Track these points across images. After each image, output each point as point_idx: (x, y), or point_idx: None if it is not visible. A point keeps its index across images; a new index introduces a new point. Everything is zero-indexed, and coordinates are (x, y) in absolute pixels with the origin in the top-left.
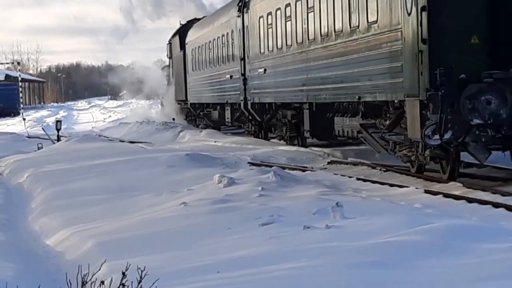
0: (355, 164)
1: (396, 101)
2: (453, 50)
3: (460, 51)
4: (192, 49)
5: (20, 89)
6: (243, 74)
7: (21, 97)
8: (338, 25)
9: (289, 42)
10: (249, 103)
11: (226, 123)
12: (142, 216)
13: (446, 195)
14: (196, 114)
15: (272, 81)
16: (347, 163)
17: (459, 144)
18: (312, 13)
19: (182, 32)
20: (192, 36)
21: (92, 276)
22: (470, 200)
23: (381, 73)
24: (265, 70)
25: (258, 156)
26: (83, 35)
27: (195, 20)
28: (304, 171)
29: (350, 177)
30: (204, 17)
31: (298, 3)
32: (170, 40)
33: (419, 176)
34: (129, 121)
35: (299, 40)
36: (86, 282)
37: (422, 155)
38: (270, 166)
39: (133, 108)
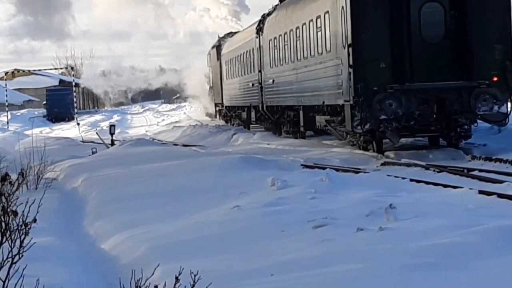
0: (408, 165)
1: (340, 105)
2: (368, 72)
3: (373, 72)
4: (226, 61)
5: (74, 94)
6: (260, 83)
7: (75, 102)
8: (312, 51)
9: (286, 60)
10: (264, 105)
11: (252, 122)
12: (195, 220)
13: (501, 196)
14: (230, 115)
15: (277, 89)
16: (400, 165)
17: (376, 131)
18: (299, 40)
19: (218, 45)
20: (226, 49)
21: (146, 281)
22: None
23: (332, 86)
24: (273, 80)
25: (311, 158)
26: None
27: (231, 33)
28: (357, 172)
29: (403, 178)
30: (236, 32)
31: (291, 33)
32: (209, 51)
33: (473, 177)
34: (182, 125)
35: (292, 59)
36: (140, 287)
37: (360, 140)
38: (324, 168)
39: (187, 111)
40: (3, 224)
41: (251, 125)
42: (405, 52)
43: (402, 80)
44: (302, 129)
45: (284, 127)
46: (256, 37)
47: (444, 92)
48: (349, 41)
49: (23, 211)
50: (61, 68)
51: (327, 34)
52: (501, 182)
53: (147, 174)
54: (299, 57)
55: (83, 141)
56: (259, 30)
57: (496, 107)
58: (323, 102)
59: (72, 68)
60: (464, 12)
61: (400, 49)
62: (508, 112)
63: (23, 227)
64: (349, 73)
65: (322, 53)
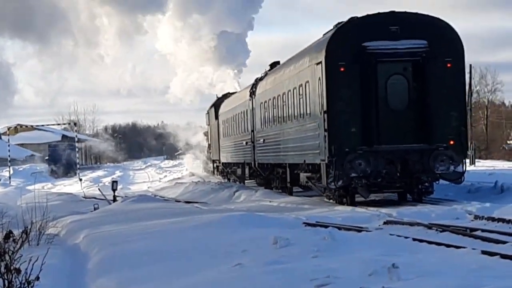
0: (411, 224)
1: (318, 163)
2: (341, 135)
3: (345, 136)
4: (223, 120)
5: (77, 149)
6: (253, 142)
7: (78, 157)
8: (296, 115)
9: (275, 122)
10: (256, 163)
11: (246, 178)
12: (197, 277)
13: (504, 256)
14: (226, 171)
15: (267, 148)
16: (403, 223)
17: (349, 187)
18: (285, 105)
19: (216, 104)
20: (223, 109)
21: None
22: None
23: (312, 146)
24: (264, 140)
25: (314, 216)
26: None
27: (228, 94)
28: (359, 231)
29: (406, 237)
30: (234, 92)
31: (279, 97)
32: (208, 110)
33: (475, 237)
34: (185, 181)
35: (279, 121)
36: None
37: (335, 194)
38: (326, 227)
39: (189, 168)
40: (6, 282)
41: (246, 181)
42: (374, 119)
43: (371, 142)
44: (288, 184)
45: (273, 182)
46: (250, 100)
47: (408, 153)
48: (325, 108)
49: (26, 269)
50: (64, 124)
51: (307, 100)
52: (504, 242)
53: (149, 231)
54: (285, 120)
55: (85, 197)
56: (252, 93)
57: (452, 167)
58: (304, 161)
59: (75, 123)
60: (425, 84)
61: (369, 115)
62: (463, 171)
63: (26, 285)
64: (325, 136)
65: (303, 117)
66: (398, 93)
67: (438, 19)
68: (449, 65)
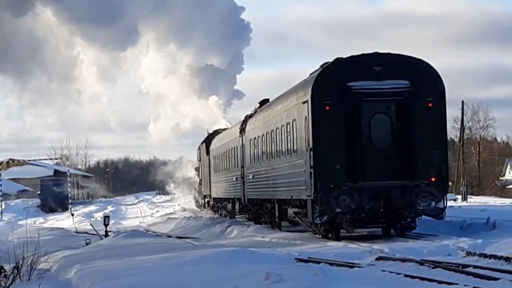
0: (403, 260)
1: (304, 199)
2: (326, 172)
3: (330, 173)
4: (214, 156)
5: (69, 184)
6: (242, 178)
7: (70, 192)
8: (284, 152)
9: (264, 159)
10: (246, 198)
11: (236, 213)
12: None
13: None
14: (217, 206)
15: (256, 184)
16: (395, 259)
17: (334, 222)
18: (274, 142)
19: (208, 140)
20: (213, 145)
21: None
22: None
23: (298, 182)
24: (253, 176)
25: (306, 252)
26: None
27: (219, 130)
28: (352, 267)
29: (398, 274)
30: (225, 129)
31: (268, 134)
32: (199, 146)
33: (468, 273)
34: (177, 216)
35: (268, 158)
36: None
37: (321, 229)
38: (318, 263)
39: (181, 203)
40: None
41: (236, 216)
42: (358, 156)
43: (355, 179)
44: (277, 219)
45: (262, 217)
46: (240, 136)
47: (390, 190)
48: (311, 145)
49: None
50: (56, 158)
51: (295, 138)
52: (496, 279)
53: (141, 266)
54: (273, 156)
55: (77, 232)
56: (242, 130)
57: (433, 203)
58: (292, 196)
59: (67, 158)
60: (408, 123)
61: (353, 153)
62: (444, 207)
63: None
64: (311, 172)
65: (291, 154)
66: (381, 131)
67: (420, 60)
68: (430, 104)
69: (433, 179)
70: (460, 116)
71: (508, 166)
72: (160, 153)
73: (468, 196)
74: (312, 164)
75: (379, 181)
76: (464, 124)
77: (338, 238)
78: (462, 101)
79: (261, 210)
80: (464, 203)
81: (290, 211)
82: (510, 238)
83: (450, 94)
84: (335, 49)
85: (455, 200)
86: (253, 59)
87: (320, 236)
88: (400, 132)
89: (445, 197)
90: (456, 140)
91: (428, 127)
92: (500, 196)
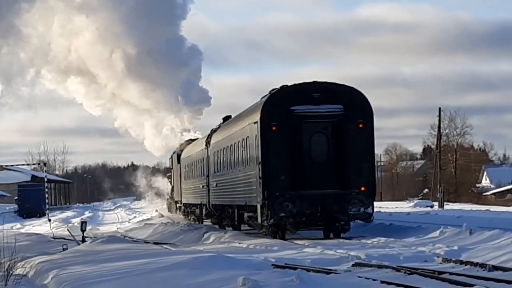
0: (379, 266)
1: (255, 204)
2: (272, 182)
3: (275, 182)
4: (184, 165)
5: (46, 189)
6: (208, 186)
7: (47, 198)
8: (240, 164)
9: (225, 169)
10: (211, 204)
11: (203, 217)
12: None
13: None
14: (187, 211)
15: (219, 191)
16: (371, 266)
17: (279, 224)
18: (232, 155)
19: (179, 150)
20: (184, 155)
21: None
22: None
23: (251, 191)
24: (216, 184)
25: (282, 258)
26: (109, 136)
27: (190, 140)
28: (328, 273)
29: (374, 280)
30: (195, 139)
31: (228, 148)
32: (171, 155)
33: (443, 279)
34: (154, 222)
35: (228, 169)
36: None
37: (269, 230)
38: (295, 269)
39: (158, 209)
40: None
41: (204, 220)
42: (299, 169)
43: (297, 188)
44: (236, 222)
45: (225, 221)
46: (205, 148)
47: (327, 197)
48: (260, 159)
49: None
50: (34, 164)
51: (248, 152)
52: (471, 285)
53: (117, 272)
54: (232, 168)
55: (54, 238)
56: (208, 143)
57: (363, 209)
58: (246, 203)
59: (44, 164)
60: (341, 141)
61: (296, 166)
62: (372, 212)
63: None
64: (260, 182)
65: (245, 166)
66: (319, 148)
67: (353, 88)
68: (360, 125)
69: (362, 189)
70: (437, 123)
71: (485, 173)
72: (138, 159)
73: (445, 203)
74: (261, 175)
75: (317, 190)
76: (441, 131)
77: (283, 238)
78: (439, 108)
79: (223, 214)
80: (441, 210)
81: (246, 215)
82: (485, 244)
83: (426, 101)
84: (308, 56)
85: (431, 207)
86: (228, 66)
87: (270, 237)
88: (335, 148)
89: (373, 203)
90: (433, 147)
91: (359, 145)
92: (477, 203)
